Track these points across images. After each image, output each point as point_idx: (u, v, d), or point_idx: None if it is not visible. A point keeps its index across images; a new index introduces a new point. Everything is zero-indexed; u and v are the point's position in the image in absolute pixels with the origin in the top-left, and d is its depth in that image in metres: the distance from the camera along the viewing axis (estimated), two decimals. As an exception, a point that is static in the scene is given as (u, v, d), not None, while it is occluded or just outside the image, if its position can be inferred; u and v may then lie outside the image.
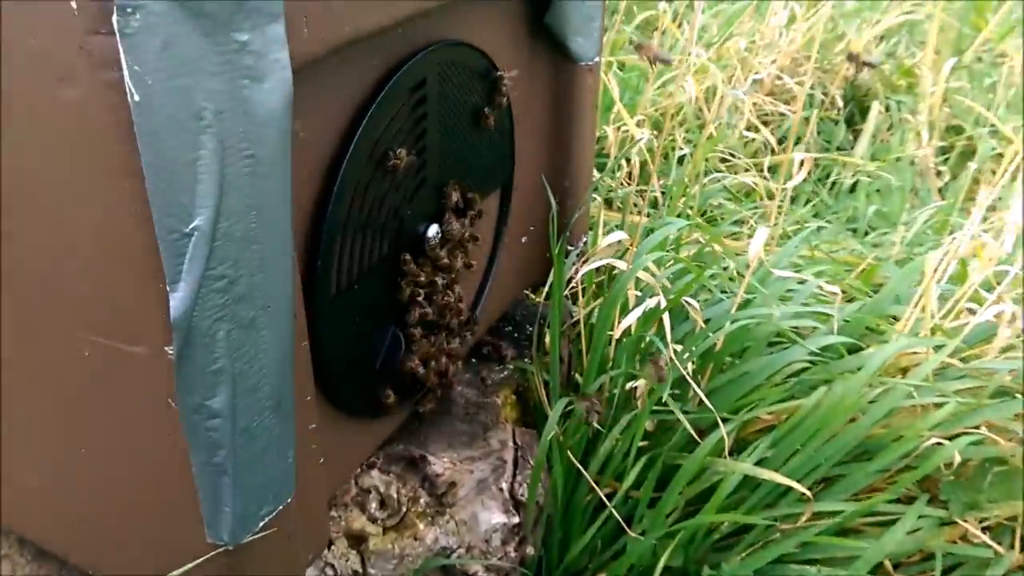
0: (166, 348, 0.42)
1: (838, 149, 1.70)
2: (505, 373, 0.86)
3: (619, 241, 0.84)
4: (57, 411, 0.53)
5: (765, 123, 1.63)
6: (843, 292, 0.95)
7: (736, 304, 0.81)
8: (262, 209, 0.42)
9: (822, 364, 0.83)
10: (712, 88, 1.60)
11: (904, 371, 0.85)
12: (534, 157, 0.80)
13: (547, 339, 0.87)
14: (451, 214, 0.68)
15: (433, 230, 0.67)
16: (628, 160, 1.28)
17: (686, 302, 0.80)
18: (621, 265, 0.76)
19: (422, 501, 0.73)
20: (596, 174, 1.20)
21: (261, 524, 0.51)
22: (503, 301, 0.90)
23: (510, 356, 0.87)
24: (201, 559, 0.49)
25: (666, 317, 0.75)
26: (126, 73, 0.35)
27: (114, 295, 0.44)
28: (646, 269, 0.77)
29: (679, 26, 1.73)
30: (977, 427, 0.78)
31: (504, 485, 0.76)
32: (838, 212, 1.48)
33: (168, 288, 0.40)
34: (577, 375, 0.89)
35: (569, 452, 0.77)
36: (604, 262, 0.79)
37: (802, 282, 0.90)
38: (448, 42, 0.62)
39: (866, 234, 1.42)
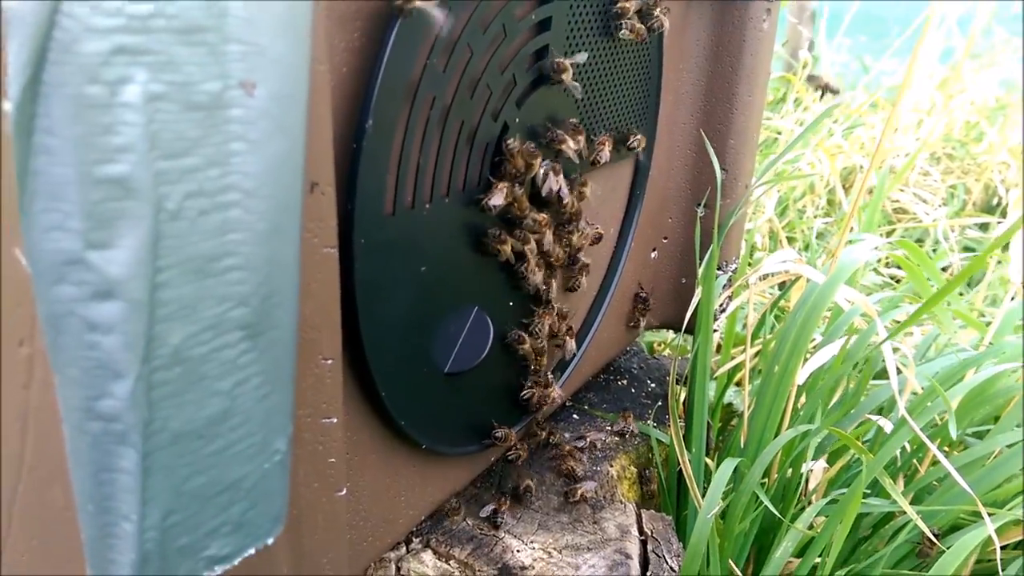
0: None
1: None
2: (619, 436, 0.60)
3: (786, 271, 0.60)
4: None
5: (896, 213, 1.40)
6: None
7: (980, 352, 0.54)
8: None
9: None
10: (848, 169, 1.41)
11: None
12: (677, 129, 0.59)
13: (678, 394, 0.61)
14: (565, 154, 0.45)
15: (541, 168, 0.44)
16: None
17: (899, 351, 0.54)
18: (818, 277, 0.51)
19: (496, 608, 0.46)
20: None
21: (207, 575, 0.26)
22: (617, 342, 0.65)
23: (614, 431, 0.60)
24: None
25: (888, 352, 0.48)
26: None
27: None
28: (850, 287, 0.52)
29: (805, 109, 1.55)
30: None
31: (624, 596, 0.49)
32: None
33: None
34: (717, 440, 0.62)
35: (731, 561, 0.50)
36: (781, 272, 0.54)
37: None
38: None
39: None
